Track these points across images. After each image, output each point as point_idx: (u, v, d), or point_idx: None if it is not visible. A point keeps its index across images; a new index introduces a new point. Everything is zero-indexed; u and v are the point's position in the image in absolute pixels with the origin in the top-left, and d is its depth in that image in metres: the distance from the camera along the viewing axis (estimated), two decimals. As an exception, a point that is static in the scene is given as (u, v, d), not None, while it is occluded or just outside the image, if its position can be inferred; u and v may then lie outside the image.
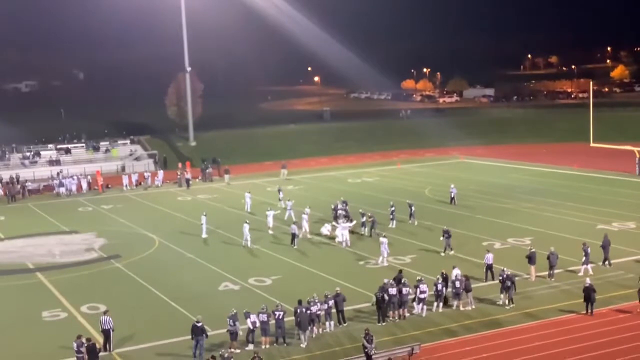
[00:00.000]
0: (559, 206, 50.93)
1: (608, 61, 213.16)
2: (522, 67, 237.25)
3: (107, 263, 40.22)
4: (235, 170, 70.99)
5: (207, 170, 69.98)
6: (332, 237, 43.08)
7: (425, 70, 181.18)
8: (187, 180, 65.68)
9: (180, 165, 71.25)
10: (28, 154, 78.66)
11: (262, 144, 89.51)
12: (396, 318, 29.22)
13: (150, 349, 27.16)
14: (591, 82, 78.83)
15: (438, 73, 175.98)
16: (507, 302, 30.31)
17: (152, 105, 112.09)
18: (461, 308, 30.22)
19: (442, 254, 38.43)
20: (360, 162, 79.43)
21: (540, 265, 33.99)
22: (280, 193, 54.77)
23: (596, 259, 35.24)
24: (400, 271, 32.25)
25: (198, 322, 26.30)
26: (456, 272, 31.02)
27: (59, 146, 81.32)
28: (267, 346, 26.95)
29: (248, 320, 26.90)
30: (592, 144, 67.82)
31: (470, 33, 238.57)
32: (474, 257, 37.27)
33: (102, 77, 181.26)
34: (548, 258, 33.77)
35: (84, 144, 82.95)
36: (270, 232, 45.22)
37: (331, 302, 28.56)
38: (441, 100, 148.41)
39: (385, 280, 30.18)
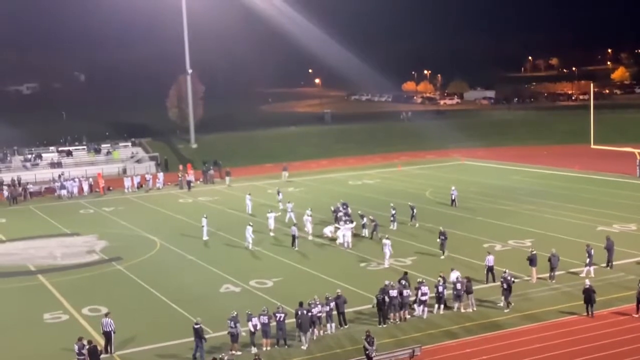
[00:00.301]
0: (560, 208, 50.95)
1: (609, 63, 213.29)
2: (522, 69, 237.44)
3: (108, 265, 40.26)
4: (236, 173, 71.02)
5: (209, 172, 70.06)
6: (333, 239, 43.12)
7: (425, 72, 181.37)
8: (189, 183, 65.74)
9: (181, 167, 71.30)
10: (29, 156, 78.75)
11: (263, 146, 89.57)
12: (397, 320, 29.26)
13: (151, 351, 27.19)
14: (592, 84, 78.86)
15: (439, 75, 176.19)
16: (503, 305, 30.32)
17: (153, 107, 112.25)
18: (462, 310, 30.25)
19: (442, 257, 38.39)
20: (361, 164, 79.44)
21: (541, 267, 34.02)
22: (280, 195, 54.75)
23: (598, 261, 35.22)
24: (406, 273, 32.23)
25: (197, 324, 26.36)
26: (456, 275, 31.04)
27: (60, 148, 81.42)
28: (268, 348, 26.98)
29: (250, 323, 26.93)
30: (592, 146, 67.83)
31: (471, 34, 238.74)
32: (471, 259, 37.27)
33: (103, 78, 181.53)
34: (549, 260, 33.82)
35: (85, 147, 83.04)
36: (271, 234, 45.27)
37: (332, 304, 28.59)
38: (442, 102, 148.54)
39: (387, 282, 30.22)
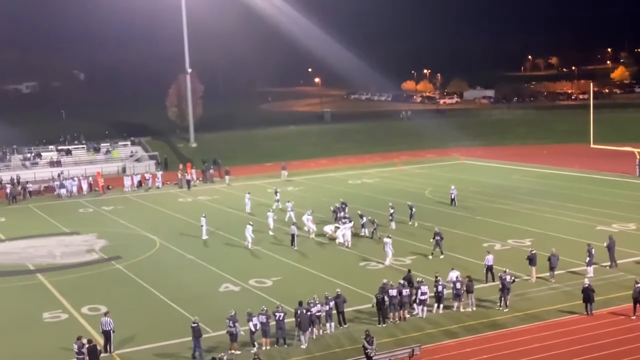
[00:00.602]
0: (560, 207, 50.95)
1: (608, 62, 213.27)
2: (522, 68, 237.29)
3: (107, 264, 40.25)
4: (235, 172, 71.03)
5: (209, 172, 70.09)
6: (333, 238, 43.11)
7: (425, 71, 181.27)
8: (188, 182, 65.76)
9: (181, 166, 71.31)
10: (29, 155, 78.77)
11: (263, 145, 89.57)
12: (396, 319, 29.25)
13: (150, 350, 27.19)
14: (591, 84, 78.79)
15: (438, 74, 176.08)
16: (500, 304, 30.32)
17: (152, 107, 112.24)
18: (461, 309, 30.26)
19: (442, 256, 38.34)
20: (361, 163, 79.45)
21: (540, 266, 34.02)
22: (277, 195, 54.54)
23: (599, 260, 35.19)
24: (409, 271, 32.17)
25: (194, 323, 26.35)
26: (456, 274, 31.01)
27: (59, 147, 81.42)
28: (268, 347, 26.98)
29: (250, 323, 26.90)
30: (592, 145, 67.82)
31: (470, 33, 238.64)
32: (470, 258, 37.25)
33: (103, 78, 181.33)
34: (549, 260, 33.81)
35: (84, 145, 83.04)
36: (271, 233, 45.26)
37: (331, 304, 28.58)
38: (441, 101, 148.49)
39: (385, 281, 30.22)
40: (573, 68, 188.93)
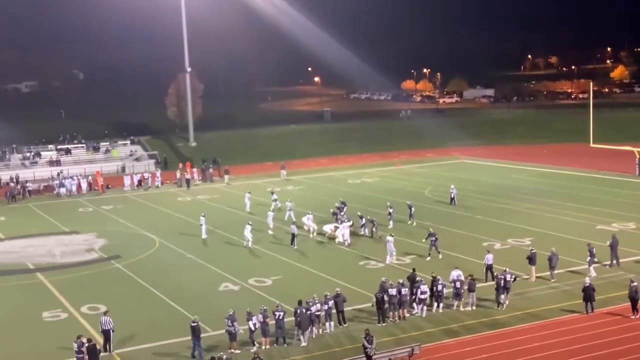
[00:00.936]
0: (559, 207, 50.93)
1: (608, 61, 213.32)
2: (522, 67, 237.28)
3: (107, 263, 40.23)
4: (235, 171, 71.02)
5: (209, 171, 70.10)
6: (332, 238, 43.11)
7: (425, 70, 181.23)
8: (187, 181, 65.76)
9: (180, 165, 71.29)
10: (28, 154, 78.75)
11: (262, 145, 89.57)
12: (396, 319, 29.22)
13: (150, 350, 27.17)
14: (591, 83, 78.78)
15: (438, 73, 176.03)
16: (497, 304, 30.33)
17: (152, 106, 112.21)
18: (461, 308, 30.24)
19: (440, 257, 38.28)
20: (361, 162, 79.44)
21: (540, 265, 34.01)
22: (273, 195, 54.38)
23: (598, 259, 35.14)
24: (414, 270, 32.13)
25: (194, 322, 26.33)
26: (457, 273, 30.99)
27: (59, 147, 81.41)
28: (267, 346, 26.96)
29: (249, 322, 26.88)
30: (592, 145, 67.81)
31: (470, 32, 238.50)
32: (470, 257, 37.22)
33: (102, 77, 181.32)
34: (549, 260, 33.77)
35: (84, 145, 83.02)
36: (270, 232, 45.23)
37: (331, 303, 28.56)
38: (441, 100, 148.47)
39: (383, 279, 30.20)
40: (573, 67, 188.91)
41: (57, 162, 76.99)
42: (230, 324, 26.54)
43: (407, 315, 29.57)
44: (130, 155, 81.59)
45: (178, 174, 67.70)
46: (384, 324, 28.83)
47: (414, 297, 30.04)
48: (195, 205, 55.93)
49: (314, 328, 27.81)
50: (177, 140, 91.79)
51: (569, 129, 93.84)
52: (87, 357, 25.15)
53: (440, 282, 30.23)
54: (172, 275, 37.30)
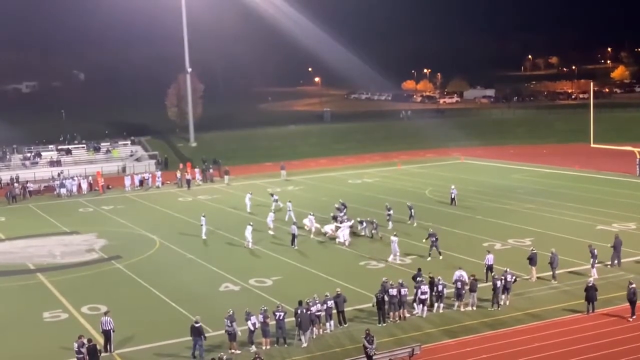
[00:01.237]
0: (560, 207, 50.95)
1: (608, 62, 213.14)
2: (522, 67, 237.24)
3: (107, 264, 40.24)
4: (235, 171, 71.02)
5: (209, 171, 70.13)
6: (333, 238, 43.12)
7: (425, 71, 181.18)
8: (188, 181, 65.79)
9: (181, 166, 71.30)
10: (29, 154, 78.76)
11: (263, 145, 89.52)
12: (397, 319, 29.22)
13: (150, 350, 27.17)
14: (591, 83, 78.85)
15: (438, 74, 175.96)
16: (496, 305, 30.33)
17: (152, 106, 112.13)
18: (462, 309, 30.25)
19: (440, 257, 38.25)
20: (361, 162, 79.46)
21: (541, 266, 34.01)
22: (274, 196, 54.26)
23: (599, 259, 35.14)
24: (419, 270, 32.13)
25: (196, 322, 26.33)
26: (460, 273, 30.99)
27: (59, 147, 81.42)
28: (268, 347, 26.96)
29: (248, 322, 26.89)
30: (592, 145, 67.84)
31: (471, 33, 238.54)
32: (470, 257, 37.22)
33: (103, 77, 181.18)
34: (550, 262, 33.72)
35: (84, 145, 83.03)
36: (271, 232, 45.23)
37: (330, 303, 28.54)
38: (442, 101, 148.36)
39: (384, 279, 30.21)
40: (573, 67, 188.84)
41: (58, 163, 77.02)
42: (230, 325, 26.54)
43: (407, 315, 29.57)
44: (131, 155, 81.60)
45: (178, 174, 67.74)
46: (384, 324, 28.84)
47: (413, 297, 30.05)
48: (196, 206, 55.94)
49: (314, 328, 27.82)
50: (177, 141, 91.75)
51: (569, 129, 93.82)
52: (87, 357, 25.14)
53: (440, 283, 30.24)
54: (172, 276, 37.31)
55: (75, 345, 25.28)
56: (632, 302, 28.67)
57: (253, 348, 26.56)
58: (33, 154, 78.86)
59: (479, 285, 30.98)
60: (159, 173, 69.64)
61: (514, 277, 31.02)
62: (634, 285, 28.79)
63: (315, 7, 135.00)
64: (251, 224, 43.69)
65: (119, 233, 47.94)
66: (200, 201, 58.99)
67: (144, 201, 60.26)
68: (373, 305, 29.55)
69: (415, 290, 29.99)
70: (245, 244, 42.27)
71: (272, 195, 54.61)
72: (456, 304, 30.42)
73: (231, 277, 36.19)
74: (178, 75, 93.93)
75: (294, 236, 42.02)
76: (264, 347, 26.86)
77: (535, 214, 49.04)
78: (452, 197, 53.23)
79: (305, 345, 26.97)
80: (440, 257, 38.12)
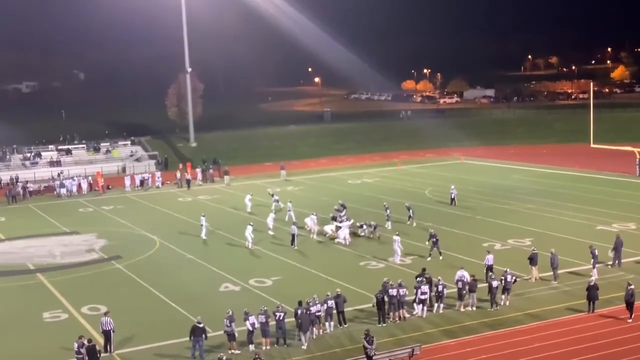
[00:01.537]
0: (559, 207, 50.95)
1: (608, 62, 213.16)
2: (522, 67, 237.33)
3: (107, 264, 40.24)
4: (235, 171, 71.01)
5: (209, 171, 70.14)
6: (333, 238, 43.13)
7: (425, 71, 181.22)
8: (188, 181, 65.79)
9: (180, 166, 71.30)
10: (29, 154, 78.75)
11: (263, 145, 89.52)
12: (396, 319, 29.22)
13: (150, 350, 27.17)
14: (591, 83, 78.82)
15: (438, 74, 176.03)
16: (491, 304, 30.34)
17: (152, 106, 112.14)
18: (462, 309, 30.26)
19: (441, 257, 38.25)
20: (361, 163, 79.48)
21: (542, 266, 34.01)
22: (274, 196, 54.28)
23: (599, 259, 35.15)
24: (424, 269, 32.11)
25: (199, 322, 26.33)
26: (461, 274, 31.00)
27: (59, 147, 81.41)
28: (268, 347, 26.97)
29: (247, 322, 26.90)
30: (592, 145, 67.84)
31: (470, 33, 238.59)
32: (470, 258, 37.21)
33: (103, 77, 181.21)
34: (551, 262, 33.72)
35: (84, 145, 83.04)
36: (271, 232, 45.22)
37: (330, 303, 28.54)
38: (441, 101, 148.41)
39: (385, 279, 30.22)
40: (573, 68, 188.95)
41: (58, 163, 77.02)
42: (229, 325, 26.55)
43: (407, 315, 29.57)
44: (131, 155, 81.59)
45: (178, 175, 67.74)
46: (384, 325, 28.84)
47: (413, 297, 30.06)
48: (196, 206, 55.94)
49: (314, 329, 27.82)
50: (177, 141, 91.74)
51: (569, 129, 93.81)
52: (87, 357, 25.14)
53: (440, 283, 30.25)
54: (172, 276, 37.31)
55: (75, 345, 25.29)
56: (630, 304, 28.64)
57: (251, 347, 26.56)
58: (33, 154, 78.86)
59: (478, 286, 30.97)
60: (158, 173, 69.64)
61: (513, 278, 31.02)
62: (632, 287, 28.79)
63: (315, 7, 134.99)
64: (251, 224, 43.69)
65: (119, 233, 47.94)
66: (200, 201, 58.99)
67: (144, 201, 60.27)
68: (373, 306, 29.55)
69: (415, 290, 29.99)
70: (246, 244, 42.28)
71: (272, 195, 54.59)
72: (457, 304, 30.41)
73: (231, 277, 36.19)
74: (178, 75, 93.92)
75: (293, 236, 42.02)
76: (263, 348, 26.86)
77: (535, 214, 49.04)
78: (452, 197, 53.23)
79: (305, 346, 26.95)
80: (441, 257, 38.10)
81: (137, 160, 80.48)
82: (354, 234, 43.49)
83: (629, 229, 43.55)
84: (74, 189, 64.79)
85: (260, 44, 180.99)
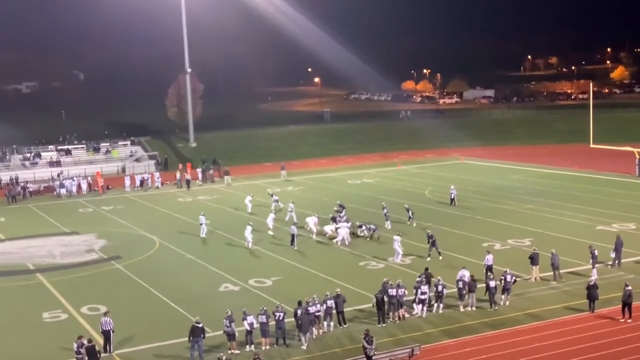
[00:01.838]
0: (559, 207, 50.96)
1: (608, 62, 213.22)
2: (522, 68, 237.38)
3: (107, 264, 40.23)
4: (235, 172, 71.00)
5: (209, 171, 70.15)
6: (332, 238, 43.13)
7: (425, 71, 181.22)
8: (187, 182, 65.79)
9: (180, 166, 71.28)
10: (29, 155, 78.75)
11: (263, 145, 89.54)
12: (396, 319, 29.22)
13: (150, 350, 27.16)
14: (591, 83, 78.88)
15: (438, 74, 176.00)
16: (490, 304, 30.37)
17: (152, 106, 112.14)
18: (461, 309, 30.25)
19: (440, 257, 38.24)
20: (360, 163, 79.48)
21: (543, 266, 34.00)
22: (274, 196, 54.31)
23: (600, 259, 35.16)
24: (427, 269, 32.09)
25: (198, 323, 26.33)
26: (462, 273, 30.99)
27: (59, 147, 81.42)
28: (267, 347, 26.96)
29: (245, 322, 26.90)
30: (592, 145, 67.87)
31: (470, 33, 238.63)
32: (470, 258, 37.22)
33: (103, 78, 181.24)
34: (552, 263, 33.72)
35: (84, 145, 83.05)
36: (270, 233, 45.22)
37: (330, 302, 28.53)
38: (441, 101, 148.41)
39: (385, 279, 30.22)
40: (573, 68, 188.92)
41: (57, 163, 77.02)
42: (229, 325, 26.55)
43: (407, 315, 29.57)
44: (131, 156, 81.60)
45: (178, 175, 67.74)
46: (384, 325, 28.84)
47: (413, 297, 30.07)
48: (196, 206, 55.90)
49: (314, 329, 27.82)
50: (177, 141, 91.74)
51: (569, 129, 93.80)
52: (86, 357, 25.14)
53: (440, 283, 30.25)
54: (172, 276, 37.31)
55: (75, 345, 25.29)
56: (627, 305, 28.61)
57: (248, 348, 26.57)
58: (33, 154, 78.85)
59: (478, 286, 30.97)
60: (157, 174, 69.63)
61: (513, 278, 31.02)
62: (629, 288, 28.75)
63: (315, 7, 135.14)
64: (251, 224, 43.69)
65: (119, 233, 47.94)
66: (200, 201, 58.98)
67: (143, 201, 60.27)
68: (373, 306, 29.55)
69: (414, 290, 29.99)
70: (245, 244, 42.28)
71: (271, 195, 54.59)
72: (458, 303, 30.40)
73: (231, 277, 36.19)
74: (178, 75, 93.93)
75: (293, 236, 42.03)
76: (263, 348, 26.86)
77: (534, 215, 49.05)
78: (452, 197, 53.23)
79: (305, 346, 26.95)
80: (440, 257, 38.11)
81: (137, 160, 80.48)
82: (353, 234, 43.48)
83: (629, 229, 43.55)
84: (74, 189, 64.79)
85: (260, 44, 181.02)
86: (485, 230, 44.52)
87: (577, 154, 77.78)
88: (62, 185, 64.34)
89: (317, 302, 28.09)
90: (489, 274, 32.68)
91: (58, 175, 70.14)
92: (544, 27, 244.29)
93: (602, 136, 70.54)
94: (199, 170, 69.54)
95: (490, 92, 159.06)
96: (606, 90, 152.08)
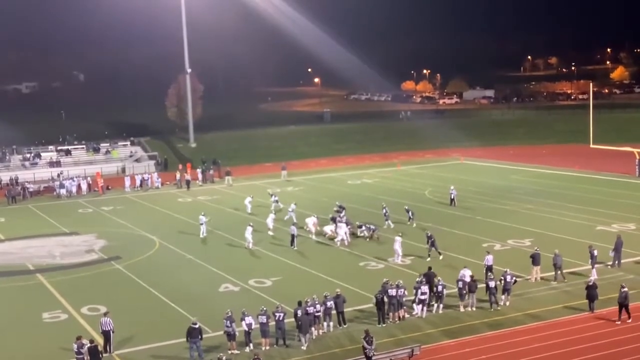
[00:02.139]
0: (559, 207, 50.95)
1: (608, 62, 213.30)
2: (522, 68, 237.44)
3: (107, 264, 40.23)
4: (235, 172, 70.98)
5: (209, 172, 70.15)
6: (332, 238, 43.14)
7: (425, 71, 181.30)
8: (187, 182, 65.79)
9: (180, 166, 71.27)
10: (28, 155, 78.74)
11: (262, 145, 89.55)
12: (396, 320, 29.21)
13: (150, 351, 27.15)
14: (591, 84, 78.86)
15: (438, 74, 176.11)
16: (494, 306, 30.35)
17: (152, 107, 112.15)
18: (461, 309, 30.25)
19: (440, 257, 38.24)
20: (360, 163, 79.47)
21: (544, 266, 33.99)
22: (274, 196, 54.33)
23: (600, 260, 35.16)
24: (430, 268, 32.10)
25: (194, 324, 26.31)
26: (462, 273, 30.97)
27: (59, 148, 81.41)
28: (267, 348, 26.96)
29: (243, 322, 26.87)
30: (592, 145, 67.86)
31: (470, 33, 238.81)
32: (470, 258, 37.22)
33: (103, 78, 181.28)
34: (554, 263, 33.72)
35: (84, 146, 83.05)
36: (270, 233, 45.21)
37: (329, 303, 28.53)
38: (441, 101, 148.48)
39: (384, 280, 30.22)
40: (573, 68, 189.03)
41: (57, 163, 77.01)
42: (229, 325, 26.55)
43: (406, 315, 29.57)
44: (130, 156, 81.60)
45: (177, 175, 67.74)
46: (384, 325, 28.84)
47: (413, 298, 30.07)
48: (196, 206, 55.88)
49: (314, 329, 27.82)
50: (177, 141, 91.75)
51: (568, 129, 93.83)
52: (87, 358, 25.12)
53: (440, 283, 30.25)
54: (172, 276, 37.30)
55: (75, 346, 25.26)
56: (624, 306, 28.56)
57: (247, 348, 26.56)
58: (33, 154, 78.84)
59: (478, 286, 30.97)
60: (155, 174, 69.60)
61: (513, 278, 31.01)
62: (625, 289, 28.69)
63: (315, 7, 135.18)
64: (251, 224, 43.68)
65: (119, 234, 47.94)
66: (200, 202, 58.97)
67: (143, 202, 60.26)
68: (374, 305, 29.53)
69: (414, 290, 29.98)
70: (245, 244, 42.27)
71: (271, 195, 54.59)
72: (458, 303, 30.39)
73: (231, 277, 36.19)
74: (178, 76, 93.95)
75: (293, 237, 42.02)
76: (263, 348, 26.85)
77: (534, 215, 49.04)
78: (452, 197, 53.22)
79: (305, 346, 26.95)
80: (440, 257, 38.11)
81: (137, 160, 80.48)
82: (353, 235, 43.48)
83: (629, 229, 43.54)
84: (74, 189, 64.79)
85: (260, 44, 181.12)
86: (485, 231, 44.52)
87: (577, 154, 77.78)
88: (62, 186, 64.33)
89: (317, 302, 28.09)
90: (489, 274, 32.71)
91: (58, 175, 70.14)
92: (544, 27, 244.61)
93: (602, 136, 70.53)
94: (199, 170, 69.57)
95: (490, 93, 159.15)
96: (606, 91, 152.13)
